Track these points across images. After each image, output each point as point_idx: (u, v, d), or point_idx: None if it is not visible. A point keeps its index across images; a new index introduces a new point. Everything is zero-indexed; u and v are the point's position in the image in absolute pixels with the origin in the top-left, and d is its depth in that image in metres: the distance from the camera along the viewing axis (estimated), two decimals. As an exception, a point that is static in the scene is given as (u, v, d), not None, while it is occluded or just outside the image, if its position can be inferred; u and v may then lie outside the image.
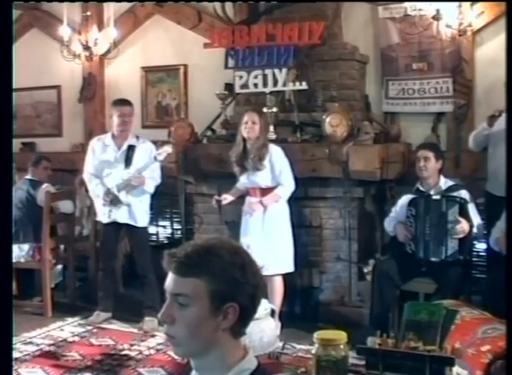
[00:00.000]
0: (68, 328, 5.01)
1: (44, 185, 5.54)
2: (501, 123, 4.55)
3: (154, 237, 6.52)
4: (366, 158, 4.84)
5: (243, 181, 4.78)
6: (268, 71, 5.25)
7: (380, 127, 5.30)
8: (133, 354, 4.43)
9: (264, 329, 4.21)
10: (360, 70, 5.44)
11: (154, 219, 6.51)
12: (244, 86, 5.38)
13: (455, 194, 4.48)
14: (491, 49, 5.09)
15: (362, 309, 4.88)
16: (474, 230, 4.39)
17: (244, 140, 4.68)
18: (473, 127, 5.00)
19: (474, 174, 5.01)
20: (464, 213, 4.38)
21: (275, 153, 4.67)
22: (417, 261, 4.45)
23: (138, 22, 6.48)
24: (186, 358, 1.60)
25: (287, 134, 5.19)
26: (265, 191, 4.69)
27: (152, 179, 4.97)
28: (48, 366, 4.22)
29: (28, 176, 5.64)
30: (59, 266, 5.88)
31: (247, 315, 1.50)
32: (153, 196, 5.22)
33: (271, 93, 5.22)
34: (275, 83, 5.22)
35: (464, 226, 4.34)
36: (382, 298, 4.41)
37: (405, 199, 4.61)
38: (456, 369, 3.03)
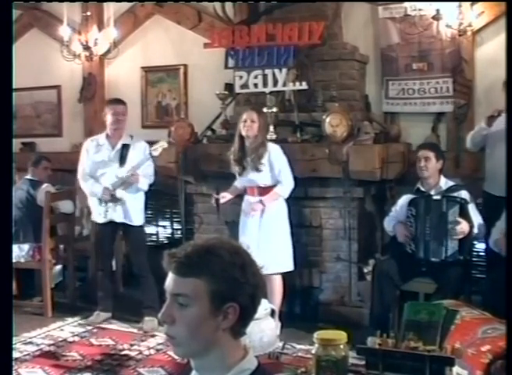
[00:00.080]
0: (68, 328, 5.01)
1: (44, 185, 5.54)
2: (499, 124, 4.55)
3: (154, 237, 6.53)
4: (366, 158, 4.84)
5: (241, 180, 4.79)
6: (268, 71, 5.25)
7: (380, 127, 5.30)
8: (133, 354, 4.43)
9: (264, 329, 4.21)
10: (360, 70, 5.44)
11: (154, 219, 6.53)
12: (244, 86, 5.38)
13: (455, 194, 4.48)
14: (491, 49, 5.09)
15: (362, 309, 4.88)
16: (475, 230, 4.39)
17: (242, 138, 4.68)
18: (473, 127, 5.00)
19: (474, 174, 5.01)
20: (464, 214, 4.38)
21: (274, 152, 4.68)
22: (417, 261, 4.45)
23: (138, 22, 6.48)
24: (186, 359, 1.60)
25: (287, 134, 5.19)
26: (264, 190, 4.69)
27: (146, 177, 5.01)
28: (48, 366, 4.22)
29: (28, 176, 5.64)
30: (59, 266, 5.88)
31: (247, 315, 1.50)
32: (152, 196, 5.22)
33: (271, 93, 5.22)
34: (275, 83, 5.22)
35: (463, 227, 4.34)
36: (382, 298, 4.41)
37: (405, 199, 4.61)
38: (456, 369, 3.03)
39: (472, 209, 4.44)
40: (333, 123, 4.93)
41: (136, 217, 5.06)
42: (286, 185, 4.67)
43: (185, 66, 6.30)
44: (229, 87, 5.58)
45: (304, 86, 5.14)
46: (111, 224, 5.03)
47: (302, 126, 5.20)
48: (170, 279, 1.50)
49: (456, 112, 5.19)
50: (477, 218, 4.44)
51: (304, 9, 5.31)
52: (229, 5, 5.78)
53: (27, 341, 4.69)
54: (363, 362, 3.23)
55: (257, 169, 4.62)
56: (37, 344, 4.62)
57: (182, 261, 1.47)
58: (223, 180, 5.00)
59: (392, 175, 5.01)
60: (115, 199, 4.92)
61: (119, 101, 5.17)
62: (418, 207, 4.49)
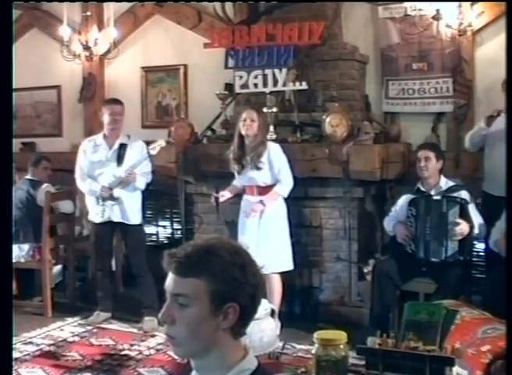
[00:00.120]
0: (68, 328, 5.01)
1: (44, 185, 5.54)
2: (498, 124, 4.56)
3: (154, 237, 6.53)
4: (366, 158, 4.84)
5: (240, 178, 4.79)
6: (268, 71, 5.25)
7: (380, 127, 5.30)
8: (133, 354, 4.43)
9: (264, 329, 4.20)
10: (360, 70, 5.44)
11: (154, 219, 6.53)
12: (244, 86, 5.38)
13: (455, 194, 4.48)
14: (491, 49, 5.09)
15: (362, 309, 4.88)
16: (476, 230, 4.39)
17: (242, 137, 4.69)
18: (473, 127, 4.99)
19: (473, 174, 5.01)
20: (464, 214, 4.38)
21: (274, 150, 4.68)
22: (418, 261, 4.45)
23: (138, 22, 6.48)
24: (187, 359, 1.60)
25: (287, 134, 5.19)
26: (263, 189, 4.69)
27: (143, 176, 5.03)
28: (48, 366, 4.22)
29: (28, 176, 5.65)
30: (59, 266, 5.88)
31: (247, 315, 1.50)
32: (152, 196, 5.22)
33: (271, 93, 5.22)
34: (275, 83, 5.22)
35: (463, 227, 4.33)
36: (382, 298, 4.41)
37: (405, 199, 4.61)
38: (456, 369, 3.03)
39: (472, 210, 4.44)
40: (333, 123, 4.93)
41: (134, 216, 5.07)
42: (286, 184, 4.67)
43: (185, 66, 6.30)
44: (229, 87, 5.58)
45: (304, 86, 5.14)
46: (108, 224, 5.04)
47: (302, 126, 5.20)
48: (170, 279, 1.50)
49: (456, 112, 5.19)
50: (477, 218, 4.44)
51: (304, 9, 5.31)
52: (229, 5, 5.78)
53: (27, 341, 4.69)
54: (363, 362, 3.23)
55: (257, 167, 4.62)
56: (37, 344, 4.62)
57: (182, 261, 1.47)
58: (223, 179, 5.00)
59: (392, 175, 5.01)
60: (112, 198, 4.94)
61: (116, 102, 5.20)
62: (418, 207, 4.50)
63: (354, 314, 4.92)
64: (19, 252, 5.38)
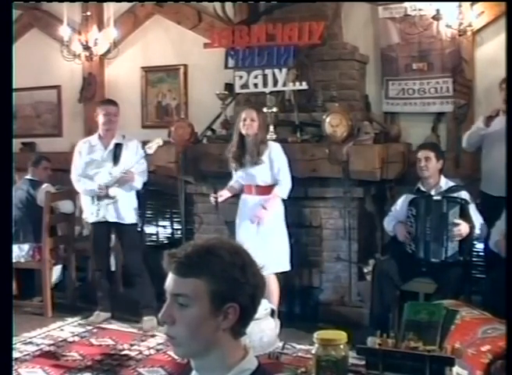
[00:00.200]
0: (68, 328, 5.01)
1: (44, 185, 5.54)
2: (497, 124, 4.56)
3: (154, 237, 6.53)
4: (366, 158, 4.84)
5: (239, 177, 4.78)
6: (268, 71, 5.25)
7: (380, 127, 5.30)
8: (133, 354, 4.43)
9: (264, 329, 4.21)
10: (360, 70, 5.44)
11: (154, 219, 6.53)
12: (244, 86, 5.38)
13: (455, 194, 4.48)
14: (491, 49, 5.09)
15: (362, 309, 4.88)
16: (477, 231, 4.39)
17: (242, 137, 4.68)
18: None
19: (473, 174, 5.01)
20: (464, 214, 4.38)
21: (275, 149, 4.68)
22: (418, 261, 4.45)
23: (138, 22, 6.48)
24: (187, 359, 1.60)
25: (287, 134, 5.19)
26: (261, 189, 4.69)
27: (140, 175, 5.06)
28: (48, 366, 4.22)
29: (28, 176, 5.65)
30: (59, 266, 5.88)
31: (247, 315, 1.50)
32: (152, 196, 5.21)
33: (271, 93, 5.21)
34: (275, 83, 5.22)
35: (461, 228, 4.33)
36: (382, 298, 4.41)
37: (405, 199, 4.61)
38: (456, 369, 3.03)
39: (473, 210, 4.44)
40: (333, 123, 4.93)
41: (129, 216, 5.09)
42: (285, 185, 4.66)
43: (185, 66, 6.29)
44: (229, 87, 5.58)
45: (304, 86, 5.14)
46: (104, 224, 5.07)
47: (302, 126, 5.20)
48: (170, 279, 1.50)
49: (456, 112, 5.19)
50: (478, 218, 4.43)
51: (304, 9, 5.31)
52: (229, 5, 5.78)
53: (27, 341, 4.69)
54: (363, 362, 3.23)
55: (257, 165, 4.61)
56: (37, 344, 4.62)
57: (182, 261, 1.47)
58: (223, 179, 4.99)
59: (392, 175, 5.01)
60: (108, 197, 4.97)
61: (111, 102, 5.24)
62: (419, 207, 4.50)
63: (354, 314, 4.92)
64: (19, 252, 5.38)
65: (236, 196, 4.90)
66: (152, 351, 4.47)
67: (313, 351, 3.16)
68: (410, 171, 4.93)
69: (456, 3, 5.00)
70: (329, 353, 3.07)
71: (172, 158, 5.44)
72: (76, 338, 4.78)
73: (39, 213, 5.34)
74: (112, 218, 5.04)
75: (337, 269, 5.10)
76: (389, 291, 4.41)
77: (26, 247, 5.41)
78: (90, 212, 5.06)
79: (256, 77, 5.30)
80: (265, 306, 4.23)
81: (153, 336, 4.77)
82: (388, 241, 5.03)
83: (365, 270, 4.95)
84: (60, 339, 4.74)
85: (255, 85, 5.32)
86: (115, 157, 5.03)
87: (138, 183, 5.07)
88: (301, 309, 5.18)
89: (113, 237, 5.39)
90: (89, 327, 5.01)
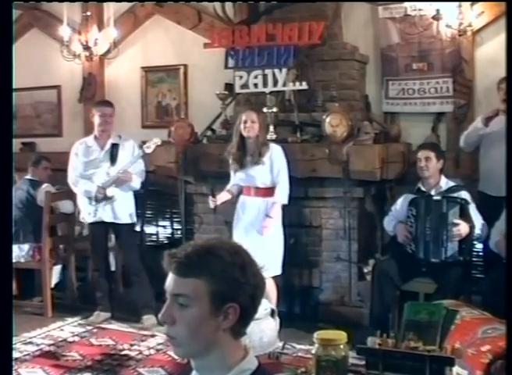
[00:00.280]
0: (68, 328, 5.01)
1: (44, 185, 5.54)
2: (496, 124, 4.56)
3: (154, 237, 6.53)
4: (366, 158, 4.84)
5: (239, 179, 4.77)
6: (268, 71, 5.25)
7: (380, 127, 5.30)
8: (133, 354, 4.43)
9: (264, 329, 4.21)
10: (360, 70, 5.44)
11: (154, 219, 6.53)
12: (244, 86, 5.38)
13: (455, 194, 4.47)
14: (491, 49, 5.09)
15: (362, 309, 4.88)
16: (478, 231, 4.38)
17: (242, 139, 4.68)
18: (473, 127, 5.00)
19: (473, 174, 5.01)
20: (464, 214, 4.38)
21: (276, 151, 4.69)
22: (417, 261, 4.45)
23: (138, 22, 6.48)
24: (187, 359, 1.60)
25: (287, 134, 5.19)
26: (260, 191, 4.69)
27: (138, 175, 5.07)
28: (48, 366, 4.22)
29: (28, 176, 5.65)
30: (59, 266, 5.87)
31: (247, 315, 1.50)
32: (152, 196, 5.20)
33: (271, 93, 5.21)
34: (275, 83, 5.22)
35: (461, 228, 4.33)
36: (382, 298, 4.41)
37: (405, 198, 4.62)
38: (456, 369, 3.03)
39: (473, 210, 4.44)
40: (333, 123, 4.93)
41: (126, 216, 5.11)
42: (284, 190, 4.65)
43: (185, 66, 6.29)
44: (229, 87, 5.57)
45: (304, 86, 5.14)
46: (101, 224, 5.09)
47: (302, 126, 5.20)
48: (170, 279, 1.50)
49: (456, 112, 5.19)
50: (478, 218, 4.43)
51: (304, 9, 5.31)
52: (229, 5, 5.78)
53: (27, 341, 4.69)
54: (363, 362, 3.23)
55: (257, 165, 4.61)
56: (37, 344, 4.62)
57: (182, 261, 1.47)
58: (223, 179, 4.99)
59: (392, 175, 5.01)
60: (106, 198, 4.98)
61: (106, 103, 5.28)
62: (419, 207, 4.49)
63: (354, 314, 4.92)
64: (19, 252, 5.38)
65: (236, 197, 4.89)
66: (152, 351, 4.47)
67: (313, 351, 3.16)
68: (410, 171, 4.93)
69: (456, 3, 5.00)
70: (329, 353, 3.07)
71: (172, 158, 5.44)
72: (76, 338, 4.78)
73: (39, 213, 5.34)
74: (108, 218, 5.06)
75: (337, 269, 5.10)
76: (389, 291, 4.41)
77: (26, 247, 5.41)
78: (88, 213, 5.09)
79: (256, 77, 5.30)
80: (265, 306, 4.23)
81: (153, 336, 4.77)
82: (388, 241, 5.03)
83: (365, 270, 4.95)
84: (60, 339, 4.74)
85: (255, 85, 5.32)
86: (112, 157, 5.05)
87: (136, 183, 5.09)
88: (301, 309, 5.18)
89: (112, 237, 5.40)
90: (89, 327, 5.01)
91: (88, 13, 6.45)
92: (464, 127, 5.13)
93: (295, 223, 4.94)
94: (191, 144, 5.47)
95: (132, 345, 4.60)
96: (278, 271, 4.68)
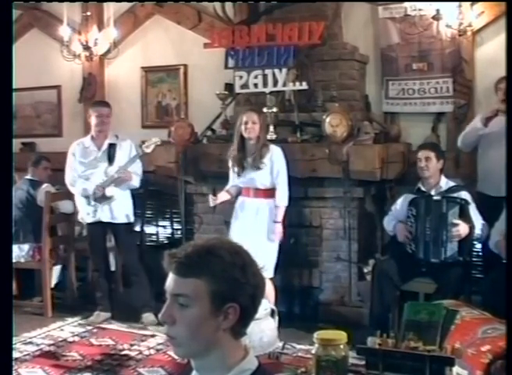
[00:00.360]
0: (68, 328, 5.01)
1: (44, 185, 5.54)
2: (495, 124, 4.56)
3: (154, 237, 6.53)
4: (366, 158, 4.84)
5: (240, 181, 4.77)
6: (268, 71, 5.25)
7: (380, 127, 5.30)
8: (133, 354, 4.43)
9: (264, 329, 4.21)
10: (360, 70, 5.44)
11: (154, 219, 6.53)
12: (244, 86, 5.38)
13: (455, 195, 4.47)
14: (491, 49, 5.09)
15: (362, 309, 4.88)
16: (478, 231, 4.38)
17: (243, 140, 4.68)
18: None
19: (474, 174, 5.00)
20: (464, 214, 4.38)
21: (276, 153, 4.69)
22: (417, 261, 4.45)
23: (138, 22, 6.48)
24: (187, 359, 1.60)
25: (287, 134, 5.19)
26: (259, 192, 4.69)
27: (136, 174, 5.09)
28: (48, 366, 4.22)
29: (28, 176, 5.65)
30: (59, 266, 5.87)
31: (247, 315, 1.50)
32: (152, 196, 5.20)
33: (271, 93, 5.21)
34: (275, 83, 5.22)
35: (460, 229, 4.32)
36: (382, 298, 4.41)
37: (405, 198, 4.61)
38: (456, 369, 3.03)
39: (473, 210, 4.43)
40: (333, 123, 4.93)
41: (123, 216, 5.11)
42: (284, 192, 4.65)
43: (185, 66, 6.29)
44: (229, 87, 5.57)
45: (304, 86, 5.14)
46: (100, 224, 5.10)
47: (302, 126, 5.20)
48: (170, 279, 1.50)
49: (456, 112, 5.19)
50: (478, 219, 4.42)
51: (304, 9, 5.31)
52: (229, 5, 5.78)
53: (27, 341, 4.69)
54: (363, 362, 3.24)
55: (258, 168, 4.62)
56: (37, 344, 4.62)
57: (182, 261, 1.47)
58: (223, 179, 4.99)
59: (392, 175, 5.01)
60: (106, 197, 4.98)
61: (103, 104, 5.29)
62: (419, 207, 4.49)
63: (354, 314, 4.92)
64: (19, 252, 5.38)
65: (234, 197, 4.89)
66: (152, 351, 4.47)
67: (313, 351, 3.16)
68: (410, 171, 4.93)
69: (456, 3, 5.00)
70: (329, 353, 3.07)
71: (172, 158, 5.44)
72: (76, 338, 4.78)
73: (39, 213, 5.34)
74: (106, 218, 5.06)
75: (337, 269, 5.10)
76: (389, 291, 4.41)
77: (26, 247, 5.41)
78: (87, 213, 5.09)
79: (256, 77, 5.30)
80: (265, 306, 4.23)
81: (153, 336, 4.77)
82: (388, 241, 5.03)
83: (365, 270, 4.95)
84: (60, 339, 4.74)
85: (255, 85, 5.31)
86: (110, 157, 5.06)
87: (136, 181, 5.10)
88: (301, 309, 5.18)
89: (112, 237, 5.40)
90: (89, 327, 5.01)
91: (88, 13, 6.45)
92: (463, 127, 5.12)
93: (295, 223, 4.94)
94: (191, 144, 5.47)
95: (132, 345, 4.60)
96: (270, 274, 4.58)
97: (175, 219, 6.40)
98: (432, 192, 4.54)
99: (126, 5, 6.44)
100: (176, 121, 5.84)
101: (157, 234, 6.53)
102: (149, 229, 6.49)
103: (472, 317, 3.56)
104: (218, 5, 5.76)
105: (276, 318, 4.55)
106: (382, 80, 5.46)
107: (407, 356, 3.03)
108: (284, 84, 5.20)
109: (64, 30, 6.19)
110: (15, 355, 4.26)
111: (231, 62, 5.43)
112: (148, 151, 5.03)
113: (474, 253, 4.95)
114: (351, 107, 5.22)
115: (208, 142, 5.62)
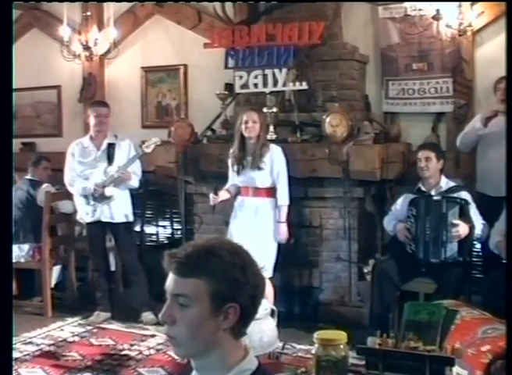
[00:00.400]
0: (68, 328, 5.01)
1: (44, 185, 5.54)
2: (494, 124, 4.56)
3: (154, 237, 6.53)
4: (366, 158, 4.84)
5: (239, 181, 4.77)
6: (268, 71, 5.25)
7: (380, 127, 5.30)
8: (133, 354, 4.43)
9: (264, 329, 4.21)
10: (360, 70, 5.44)
11: (154, 219, 6.53)
12: (244, 86, 5.38)
13: (455, 195, 4.47)
14: (491, 49, 5.09)
15: (362, 309, 4.88)
16: (478, 231, 4.38)
17: (243, 139, 4.68)
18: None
19: (473, 174, 5.00)
20: (464, 215, 4.38)
21: (276, 152, 4.69)
22: (417, 261, 4.45)
23: (138, 22, 6.48)
24: (187, 359, 1.60)
25: (287, 134, 5.19)
26: (259, 191, 4.69)
27: (135, 174, 5.10)
28: (48, 366, 4.22)
29: (28, 176, 5.65)
30: (59, 266, 5.87)
31: (247, 315, 1.50)
32: (152, 196, 5.20)
33: (271, 93, 5.21)
34: (275, 83, 5.22)
35: (459, 229, 4.32)
36: (382, 298, 4.41)
37: (405, 198, 4.61)
38: (456, 369, 3.03)
39: (473, 210, 4.43)
40: (333, 123, 4.93)
41: (121, 215, 5.11)
42: (284, 192, 4.65)
43: (185, 66, 6.29)
44: (229, 87, 5.57)
45: (304, 86, 5.14)
46: (99, 224, 5.10)
47: (302, 126, 5.20)
48: (170, 279, 1.50)
49: (456, 112, 5.19)
50: (478, 219, 4.42)
51: (304, 9, 5.31)
52: (229, 5, 5.78)
53: (27, 341, 4.69)
54: (363, 362, 3.24)
55: (259, 168, 4.62)
56: (37, 344, 4.62)
57: (182, 261, 1.47)
58: (223, 179, 4.99)
59: (392, 175, 5.01)
60: (104, 197, 4.98)
61: (101, 104, 5.30)
62: (419, 207, 4.49)
63: (354, 314, 4.92)
64: (19, 252, 5.38)
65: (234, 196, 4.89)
66: (152, 351, 4.47)
67: (313, 351, 3.16)
68: (410, 171, 4.93)
69: (456, 3, 5.00)
70: (329, 353, 3.07)
71: (172, 158, 5.44)
72: (76, 338, 4.78)
73: (39, 213, 5.35)
74: (105, 218, 5.07)
75: (337, 269, 5.10)
76: (389, 291, 4.41)
77: (26, 247, 5.42)
78: (86, 213, 5.10)
79: (256, 77, 5.30)
80: (265, 306, 4.23)
81: (153, 336, 4.77)
82: (388, 241, 5.03)
83: (365, 270, 4.95)
84: (60, 339, 4.74)
85: (255, 85, 5.31)
86: (109, 157, 5.07)
87: (135, 181, 5.11)
88: (301, 309, 5.18)
89: (112, 236, 5.41)
90: (89, 327, 5.01)
91: (88, 13, 6.45)
92: (463, 127, 5.12)
93: (295, 223, 4.94)
94: (191, 144, 5.47)
95: (132, 345, 4.60)
96: (269, 274, 4.57)
97: (175, 219, 6.40)
98: (432, 192, 4.54)
99: (126, 5, 6.44)
100: (176, 121, 5.84)
101: (157, 234, 6.53)
102: (149, 229, 6.49)
103: (472, 317, 3.56)
104: (218, 5, 5.76)
105: (276, 318, 4.57)
106: (382, 80, 5.46)
107: (407, 356, 3.03)
108: (284, 84, 5.20)
109: (64, 30, 6.19)
110: (15, 355, 4.26)
111: (231, 62, 5.43)
112: (148, 151, 5.04)
113: (474, 253, 4.95)
114: (351, 107, 5.22)
115: (207, 142, 5.62)
